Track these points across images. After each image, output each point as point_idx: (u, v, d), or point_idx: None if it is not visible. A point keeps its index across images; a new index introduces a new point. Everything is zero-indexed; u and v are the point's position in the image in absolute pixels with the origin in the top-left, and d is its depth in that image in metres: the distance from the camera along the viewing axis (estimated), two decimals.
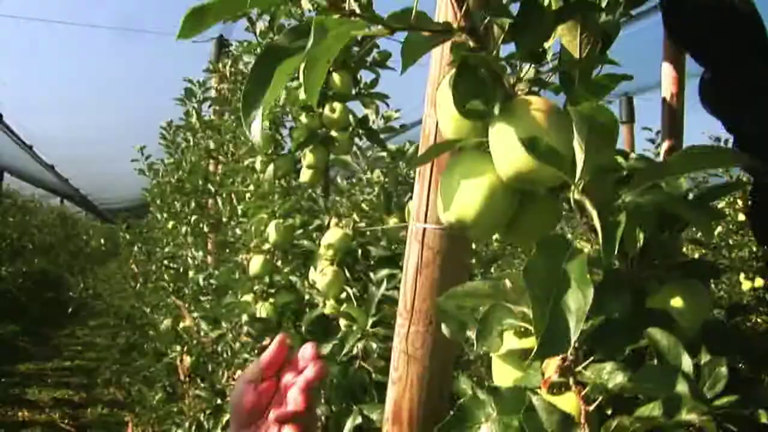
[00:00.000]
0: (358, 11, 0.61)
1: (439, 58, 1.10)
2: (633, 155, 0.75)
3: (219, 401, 2.44)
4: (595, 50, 0.82)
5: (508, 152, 0.66)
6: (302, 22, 0.59)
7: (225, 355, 2.47)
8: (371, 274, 1.87)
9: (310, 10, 2.17)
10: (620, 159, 0.74)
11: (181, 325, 4.13)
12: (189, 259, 3.66)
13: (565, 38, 0.82)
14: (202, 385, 2.79)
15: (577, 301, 0.55)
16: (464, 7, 0.71)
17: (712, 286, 3.70)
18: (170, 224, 4.15)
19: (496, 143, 0.68)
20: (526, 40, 0.71)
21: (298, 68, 0.62)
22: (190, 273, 3.75)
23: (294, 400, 0.82)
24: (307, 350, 0.84)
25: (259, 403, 0.86)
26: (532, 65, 0.75)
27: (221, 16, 0.57)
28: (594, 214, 0.57)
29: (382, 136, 2.31)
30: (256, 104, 0.59)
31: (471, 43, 0.74)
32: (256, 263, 2.32)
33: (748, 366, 0.84)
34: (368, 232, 2.11)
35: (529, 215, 0.77)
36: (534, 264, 0.57)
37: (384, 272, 1.87)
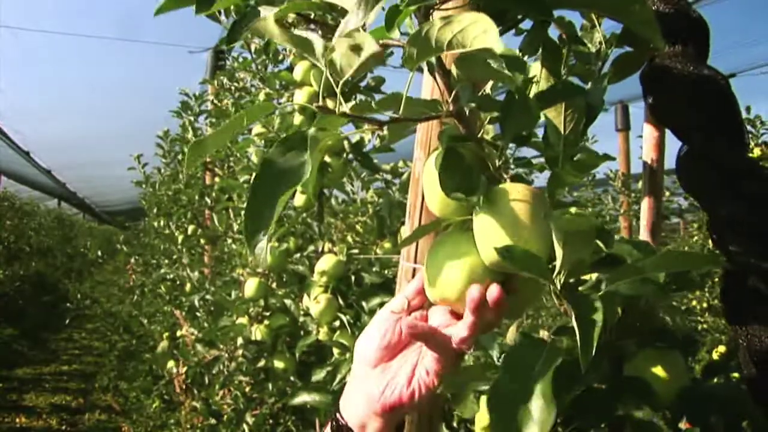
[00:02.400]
0: (348, 112, 0.64)
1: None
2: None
3: (214, 421, 2.46)
4: (579, 125, 0.84)
5: (490, 243, 0.69)
6: (291, 134, 0.61)
7: (220, 368, 2.47)
8: (363, 304, 1.89)
9: None
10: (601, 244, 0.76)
11: (178, 333, 4.15)
12: (186, 278, 3.68)
13: (550, 113, 0.85)
14: (201, 395, 2.81)
15: (542, 413, 0.57)
16: (453, 94, 0.74)
17: (707, 293, 3.72)
18: (165, 236, 4.17)
19: (479, 233, 0.71)
20: (512, 127, 0.74)
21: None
22: (187, 286, 3.77)
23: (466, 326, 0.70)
24: (494, 291, 0.70)
25: (398, 338, 0.77)
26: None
27: (218, 145, 0.59)
28: (572, 314, 0.60)
29: (378, 154, 2.32)
30: (261, 227, 0.57)
31: (458, 125, 0.77)
32: (251, 286, 2.33)
33: (724, 427, 0.87)
34: (361, 256, 2.13)
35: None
36: (499, 384, 0.58)
37: (376, 301, 1.89)
